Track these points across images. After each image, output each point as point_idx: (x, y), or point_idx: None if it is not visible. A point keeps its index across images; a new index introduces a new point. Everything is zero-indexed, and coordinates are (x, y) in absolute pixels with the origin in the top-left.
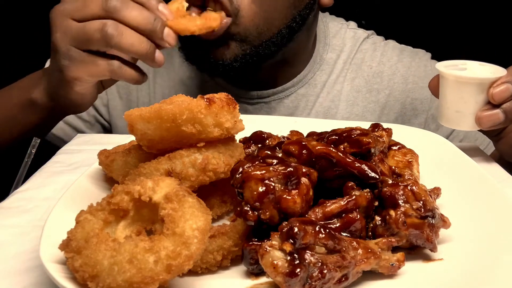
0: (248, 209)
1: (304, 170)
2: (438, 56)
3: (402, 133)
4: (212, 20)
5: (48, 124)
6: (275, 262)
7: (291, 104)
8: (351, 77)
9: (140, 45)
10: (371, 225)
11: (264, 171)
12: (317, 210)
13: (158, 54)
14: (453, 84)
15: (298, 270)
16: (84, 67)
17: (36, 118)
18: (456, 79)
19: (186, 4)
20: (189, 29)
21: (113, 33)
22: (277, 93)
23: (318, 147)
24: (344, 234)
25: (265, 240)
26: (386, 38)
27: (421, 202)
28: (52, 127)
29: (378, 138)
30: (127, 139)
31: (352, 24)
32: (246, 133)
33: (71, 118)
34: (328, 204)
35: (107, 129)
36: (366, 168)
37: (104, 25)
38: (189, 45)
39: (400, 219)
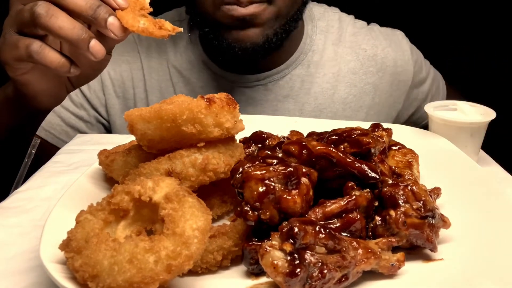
0: (248, 209)
1: (304, 170)
2: (438, 55)
3: (402, 133)
4: (157, 30)
5: (27, 123)
6: (275, 262)
7: (286, 85)
8: (347, 60)
9: (71, 29)
10: (371, 225)
11: (264, 171)
12: (317, 210)
13: (95, 44)
14: (442, 126)
15: (298, 270)
16: (8, 49)
17: (13, 115)
18: (444, 122)
19: None
20: (132, 25)
21: (40, 12)
22: (272, 75)
23: (318, 147)
24: (344, 234)
25: (265, 240)
26: None
27: (421, 202)
28: (32, 126)
29: (378, 138)
30: (127, 139)
31: (335, 8)
32: (246, 133)
33: (73, 120)
34: (328, 204)
35: (108, 129)
36: (366, 168)
37: (34, 5)
38: (217, 28)
39: (400, 219)
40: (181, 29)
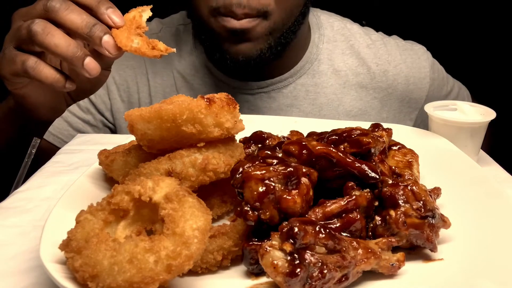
0: (248, 209)
1: (304, 170)
2: (438, 57)
3: (402, 133)
4: (149, 50)
5: (29, 132)
6: (275, 262)
7: (290, 94)
8: (356, 72)
9: (66, 47)
10: (371, 225)
11: (264, 171)
12: (317, 210)
13: (90, 61)
14: (442, 126)
15: (298, 270)
16: (6, 64)
17: (16, 125)
18: (444, 122)
19: (147, 15)
20: (125, 45)
21: (37, 30)
22: (275, 83)
23: (318, 147)
24: (344, 234)
25: (265, 240)
26: None
27: (421, 202)
28: (36, 135)
29: (378, 138)
30: (127, 139)
31: (345, 18)
32: (246, 133)
33: (80, 124)
34: (328, 204)
35: (114, 132)
36: (366, 168)
37: (32, 22)
38: (211, 36)
39: (400, 219)
40: (174, 50)
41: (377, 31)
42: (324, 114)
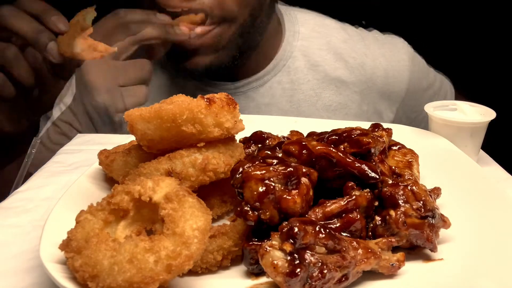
0: (248, 209)
1: (304, 170)
2: (438, 57)
3: (402, 133)
4: (90, 53)
5: None
6: (275, 262)
7: (267, 93)
8: (334, 67)
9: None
10: (371, 225)
11: (264, 171)
12: (317, 210)
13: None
14: (442, 126)
15: (298, 270)
16: None
17: None
18: (444, 122)
19: (91, 16)
20: (65, 51)
21: None
22: (251, 82)
23: (318, 147)
24: (344, 234)
25: (265, 240)
26: None
27: (421, 202)
28: None
29: (378, 138)
30: (127, 139)
31: (320, 14)
32: (246, 133)
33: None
34: (328, 204)
35: None
36: (366, 168)
37: None
38: (176, 53)
39: (400, 219)
40: (115, 49)
41: (380, 30)
42: (303, 110)
